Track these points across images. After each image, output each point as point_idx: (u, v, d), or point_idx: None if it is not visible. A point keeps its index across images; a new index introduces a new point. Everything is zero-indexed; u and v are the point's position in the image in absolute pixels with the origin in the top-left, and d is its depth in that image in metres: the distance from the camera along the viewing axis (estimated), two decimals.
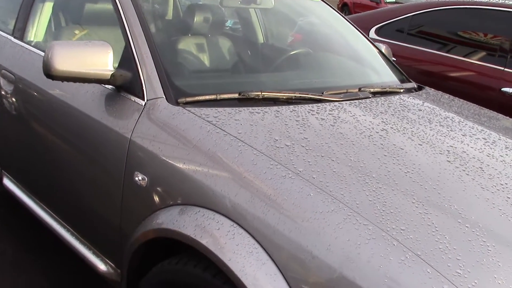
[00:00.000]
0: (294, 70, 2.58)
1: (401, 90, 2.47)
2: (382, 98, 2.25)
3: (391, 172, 1.57)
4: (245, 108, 1.85)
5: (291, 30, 3.19)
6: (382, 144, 1.74)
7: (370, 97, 2.22)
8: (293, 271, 1.35)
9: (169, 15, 2.83)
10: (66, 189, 2.20)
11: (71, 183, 2.14)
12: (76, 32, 2.63)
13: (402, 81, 2.64)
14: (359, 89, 2.26)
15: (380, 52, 2.86)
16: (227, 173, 1.55)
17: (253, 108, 1.86)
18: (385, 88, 2.40)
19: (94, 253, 2.09)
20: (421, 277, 1.21)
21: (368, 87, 2.31)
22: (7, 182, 2.69)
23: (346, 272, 1.27)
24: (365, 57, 2.87)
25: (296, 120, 1.81)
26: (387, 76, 2.66)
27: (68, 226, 2.24)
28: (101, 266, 2.03)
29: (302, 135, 1.71)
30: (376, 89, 2.34)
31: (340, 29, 2.97)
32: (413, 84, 2.63)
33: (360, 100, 2.15)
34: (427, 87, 2.69)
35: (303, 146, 1.64)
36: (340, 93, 2.17)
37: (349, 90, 2.22)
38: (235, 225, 1.47)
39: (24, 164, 2.54)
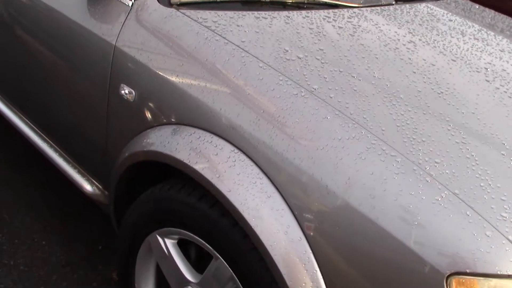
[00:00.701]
0: None
1: None
2: (407, 5, 1.95)
3: (422, 93, 1.32)
4: (250, 12, 1.57)
5: None
6: (410, 58, 1.49)
7: (393, 4, 1.93)
8: (304, 208, 1.15)
9: None
10: (49, 102, 1.96)
11: (55, 96, 1.90)
12: None
13: None
14: None
15: None
16: (227, 88, 1.31)
17: (259, 12, 1.58)
18: None
19: (79, 172, 1.89)
20: (459, 220, 1.01)
21: None
22: None
23: (367, 212, 1.07)
24: None
25: (310, 28, 1.54)
26: None
27: (51, 142, 2.03)
28: (87, 186, 1.84)
29: (316, 46, 1.44)
30: None
31: None
32: None
33: (382, 7, 1.86)
34: None
35: (318, 59, 1.38)
36: None
37: None
38: (236, 150, 1.25)
39: (4, 74, 2.28)
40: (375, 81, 1.33)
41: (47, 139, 2.02)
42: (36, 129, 2.09)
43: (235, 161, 1.24)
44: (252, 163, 1.22)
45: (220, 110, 1.29)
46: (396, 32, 1.64)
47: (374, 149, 1.13)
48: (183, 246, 1.50)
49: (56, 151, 1.99)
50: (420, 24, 1.76)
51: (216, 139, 1.29)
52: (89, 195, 1.84)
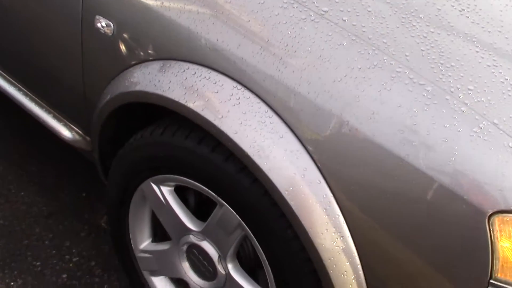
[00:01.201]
0: None
1: None
2: None
3: (442, 11, 1.18)
4: None
5: None
6: None
7: None
8: (322, 147, 1.03)
9: None
10: (17, 44, 1.73)
11: (22, 37, 1.67)
12: None
13: None
14: None
15: None
16: (224, 16, 1.14)
17: None
18: None
19: (55, 117, 1.71)
20: (501, 154, 0.91)
21: None
22: None
23: (397, 149, 0.96)
24: None
25: None
26: None
27: (20, 86, 1.83)
28: (66, 132, 1.67)
29: None
30: None
31: None
32: None
33: None
34: None
35: None
36: None
37: None
38: (239, 86, 1.10)
39: None
40: (390, 0, 1.18)
41: (16, 83, 1.82)
42: (2, 72, 1.87)
43: (239, 98, 1.09)
44: (258, 100, 1.08)
45: (217, 42, 1.12)
46: None
47: (400, 78, 0.99)
48: (181, 192, 1.38)
49: (26, 95, 1.79)
50: None
51: (214, 75, 1.13)
52: (68, 141, 1.68)
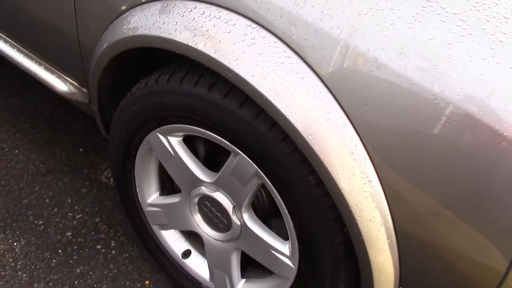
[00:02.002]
0: None
1: None
2: None
3: None
4: None
5: None
6: None
7: None
8: (347, 87, 0.95)
9: None
10: None
11: None
12: None
13: None
14: None
15: None
16: None
17: None
18: None
19: (47, 69, 1.61)
20: None
21: None
22: None
23: (430, 85, 0.89)
24: None
25: None
26: None
27: (6, 37, 1.71)
28: (60, 85, 1.58)
29: None
30: None
31: None
32: None
33: None
34: None
35: None
36: None
37: None
38: (253, 25, 1.02)
39: None
40: None
41: (3, 36, 1.70)
42: None
43: (254, 38, 1.01)
44: (276, 39, 1.00)
45: None
46: None
47: (431, 8, 0.91)
48: (190, 142, 1.31)
49: (13, 46, 1.68)
50: None
51: (225, 14, 1.04)
52: (63, 95, 1.59)
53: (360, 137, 0.97)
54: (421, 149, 0.93)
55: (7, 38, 1.72)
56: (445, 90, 0.88)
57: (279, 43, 1.00)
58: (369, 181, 0.99)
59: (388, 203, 1.00)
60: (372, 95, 0.94)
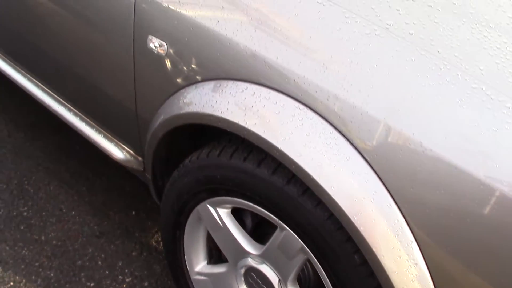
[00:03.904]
0: None
1: None
2: None
3: None
4: None
5: None
6: None
7: None
8: (393, 170, 0.97)
9: None
10: (66, 63, 1.73)
11: (73, 56, 1.67)
12: None
13: None
14: None
15: None
16: (282, 33, 1.09)
17: None
18: None
19: (106, 137, 1.71)
20: None
21: None
22: None
23: (476, 172, 0.89)
24: None
25: None
26: None
27: (70, 106, 1.83)
28: (117, 153, 1.66)
29: None
30: None
31: None
32: None
33: None
34: None
35: None
36: None
37: None
38: (301, 106, 1.06)
39: (5, 31, 2.05)
40: (457, 9, 1.11)
41: (66, 103, 1.83)
42: (52, 93, 1.88)
43: (301, 119, 1.05)
44: (322, 121, 1.04)
45: (277, 60, 1.08)
46: None
47: (476, 95, 0.93)
48: (237, 213, 1.35)
49: (76, 115, 1.80)
50: None
51: (275, 95, 1.09)
52: (119, 161, 1.67)
53: (405, 219, 0.98)
54: (469, 230, 0.93)
55: (71, 107, 1.84)
56: (492, 175, 0.88)
57: (326, 124, 1.03)
58: (416, 264, 0.98)
59: (434, 286, 0.99)
60: (417, 178, 0.95)
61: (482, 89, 0.93)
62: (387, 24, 1.05)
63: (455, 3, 1.13)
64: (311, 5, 1.09)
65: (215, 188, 1.26)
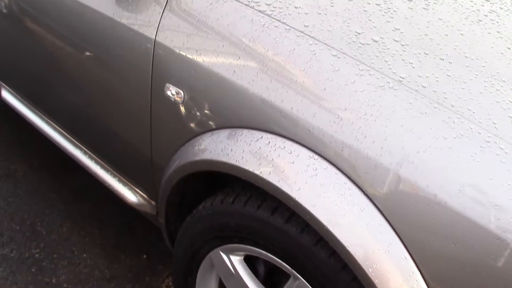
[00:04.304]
0: None
1: None
2: None
3: None
4: None
5: None
6: (498, 32, 1.28)
7: None
8: (407, 222, 0.97)
9: None
10: (83, 107, 1.77)
11: (89, 100, 1.71)
12: None
13: None
14: None
15: None
16: (298, 84, 1.12)
17: None
18: None
19: (120, 181, 1.73)
20: None
21: None
22: (7, 95, 2.28)
23: (491, 226, 0.89)
24: None
25: (377, 4, 1.33)
26: None
27: (86, 149, 1.86)
28: (131, 197, 1.68)
29: (390, 25, 1.24)
30: None
31: None
32: None
33: None
34: None
35: (397, 41, 1.18)
36: None
37: None
38: (315, 156, 1.07)
39: (32, 79, 2.10)
40: (469, 63, 1.14)
41: (81, 146, 1.86)
42: (68, 135, 1.92)
43: (316, 169, 1.06)
44: (337, 171, 1.04)
45: (292, 110, 1.10)
46: (472, 1, 1.43)
47: (490, 148, 0.94)
48: (250, 259, 1.34)
49: (91, 158, 1.82)
50: None
51: (289, 144, 1.10)
52: (132, 205, 1.68)
53: (420, 272, 0.97)
54: (485, 285, 0.92)
55: (86, 150, 1.86)
56: (508, 229, 0.88)
57: (340, 175, 1.04)
58: None
59: None
60: (432, 231, 0.95)
61: (496, 142, 0.94)
62: (401, 77, 1.07)
63: (467, 57, 1.16)
64: (326, 57, 1.12)
65: (229, 236, 1.27)
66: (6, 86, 2.31)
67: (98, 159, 1.83)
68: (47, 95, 1.98)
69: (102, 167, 1.80)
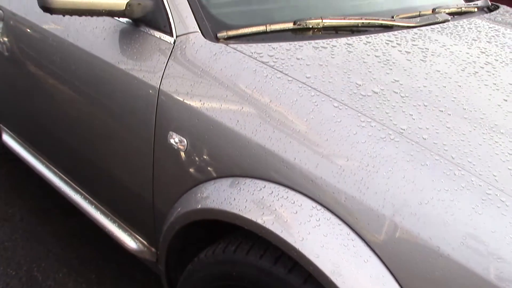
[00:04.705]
0: None
1: (475, 10, 2.02)
2: (465, 20, 1.79)
3: None
4: (306, 42, 1.41)
5: None
6: (494, 83, 1.32)
7: (449, 20, 1.77)
8: (410, 273, 0.97)
9: None
10: (84, 152, 1.79)
11: (91, 146, 1.73)
12: None
13: None
14: (433, 10, 1.82)
15: None
16: (300, 134, 1.14)
17: (316, 41, 1.42)
18: (460, 8, 1.94)
19: (120, 227, 1.73)
20: None
21: (442, 8, 1.85)
22: (7, 139, 2.29)
23: (494, 279, 0.89)
24: None
25: (376, 56, 1.37)
26: None
27: (86, 194, 1.86)
28: (131, 243, 1.67)
29: (390, 77, 1.28)
30: (451, 9, 1.88)
31: None
32: (486, 1, 2.15)
33: (440, 25, 1.70)
34: (500, 5, 2.23)
35: (397, 93, 1.21)
36: (414, 17, 1.72)
37: (422, 12, 1.77)
38: (318, 207, 1.08)
39: (26, 118, 2.12)
40: (467, 115, 1.17)
41: (81, 191, 1.86)
42: (68, 180, 1.92)
43: (319, 220, 1.07)
44: (340, 222, 1.05)
45: (295, 160, 1.12)
46: (468, 53, 1.48)
47: (491, 201, 0.95)
48: None
49: (91, 203, 1.82)
50: (488, 42, 1.59)
51: (292, 194, 1.12)
52: (132, 252, 1.67)
53: None
54: None
55: (86, 195, 1.87)
56: (510, 285, 0.88)
57: (343, 226, 1.05)
58: None
59: None
60: (435, 283, 0.95)
61: (497, 195, 0.96)
62: (401, 129, 1.09)
63: (465, 108, 1.19)
64: (327, 108, 1.15)
65: (230, 284, 1.26)
66: (7, 130, 2.32)
67: (98, 205, 1.83)
68: (48, 140, 1.99)
69: (102, 212, 1.80)
